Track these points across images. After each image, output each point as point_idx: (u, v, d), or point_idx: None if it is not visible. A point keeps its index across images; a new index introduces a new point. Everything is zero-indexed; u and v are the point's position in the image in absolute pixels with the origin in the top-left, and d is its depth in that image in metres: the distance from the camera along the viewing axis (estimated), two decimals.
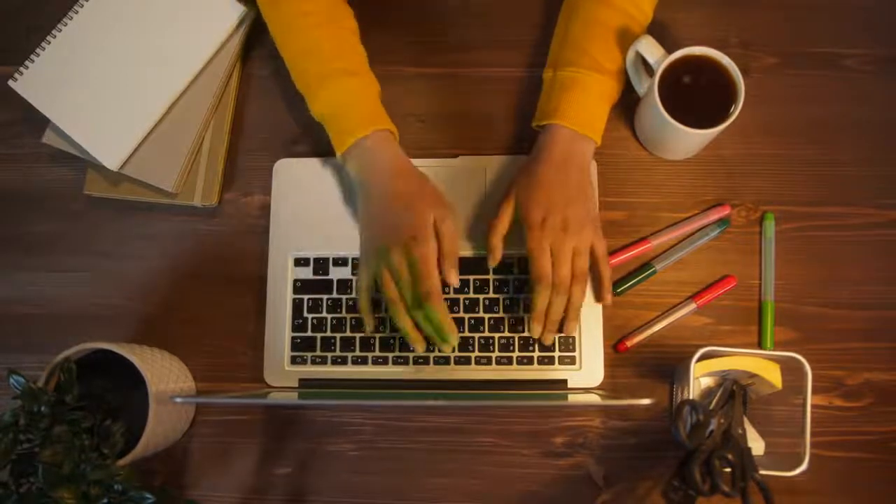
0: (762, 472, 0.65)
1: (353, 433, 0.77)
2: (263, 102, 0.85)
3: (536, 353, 0.76)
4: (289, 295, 0.79)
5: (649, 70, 0.74)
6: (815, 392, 0.72)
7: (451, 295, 0.78)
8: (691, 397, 0.68)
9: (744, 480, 0.64)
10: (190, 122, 0.81)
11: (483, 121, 0.83)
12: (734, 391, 0.71)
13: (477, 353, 0.77)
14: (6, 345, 0.81)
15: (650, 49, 0.72)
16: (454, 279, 0.73)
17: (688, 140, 0.76)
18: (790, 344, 0.77)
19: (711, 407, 0.70)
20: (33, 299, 0.82)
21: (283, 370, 0.78)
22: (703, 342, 0.76)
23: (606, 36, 0.75)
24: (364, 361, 0.77)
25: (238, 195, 0.83)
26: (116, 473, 0.62)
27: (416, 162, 0.78)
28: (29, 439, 0.63)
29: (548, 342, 0.75)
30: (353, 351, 0.77)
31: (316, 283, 0.79)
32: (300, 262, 0.80)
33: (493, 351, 0.77)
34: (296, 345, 0.78)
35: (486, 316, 0.77)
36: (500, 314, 0.77)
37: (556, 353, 0.76)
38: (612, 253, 0.78)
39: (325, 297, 0.78)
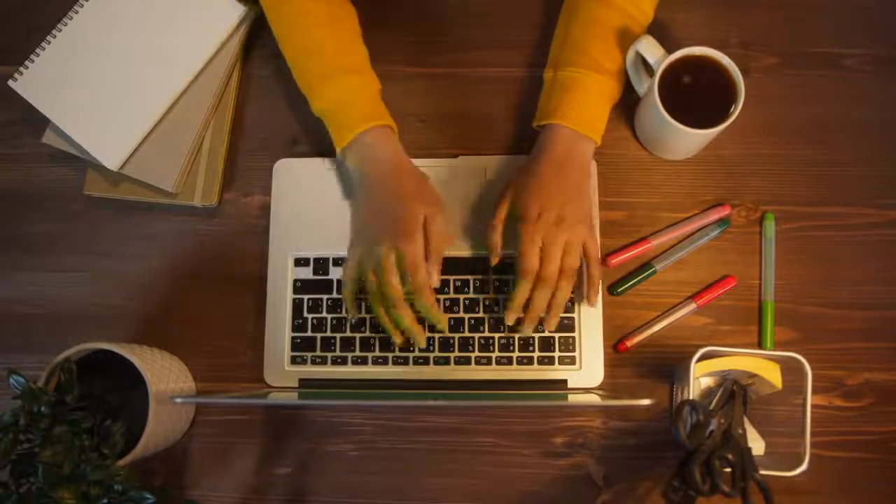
0: (762, 472, 0.65)
1: (353, 433, 0.77)
2: (263, 102, 0.85)
3: (536, 354, 0.76)
4: (289, 295, 0.79)
5: (649, 70, 0.74)
6: (815, 392, 0.72)
7: (452, 295, 0.78)
8: (691, 397, 0.68)
9: (744, 480, 0.64)
10: (190, 122, 0.81)
11: (483, 121, 0.83)
12: (734, 391, 0.71)
13: (477, 354, 0.77)
14: (6, 345, 0.81)
15: (650, 49, 0.72)
16: (435, 279, 0.74)
17: (688, 140, 0.76)
18: (790, 344, 0.77)
19: (711, 407, 0.70)
20: (33, 299, 0.82)
21: (283, 370, 0.78)
22: (703, 342, 0.76)
23: (606, 36, 0.75)
24: (364, 361, 0.77)
25: (238, 195, 0.83)
26: (116, 473, 0.62)
27: (416, 162, 0.78)
28: (29, 439, 0.63)
29: (525, 333, 0.75)
30: (353, 351, 0.77)
31: (316, 283, 0.79)
32: (300, 262, 0.80)
33: (493, 351, 0.77)
34: (296, 345, 0.78)
35: (486, 316, 0.77)
36: (500, 314, 0.77)
37: (556, 354, 0.76)
38: (612, 253, 0.78)
39: (325, 297, 0.78)
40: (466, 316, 0.77)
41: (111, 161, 0.79)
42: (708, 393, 0.75)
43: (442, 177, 0.79)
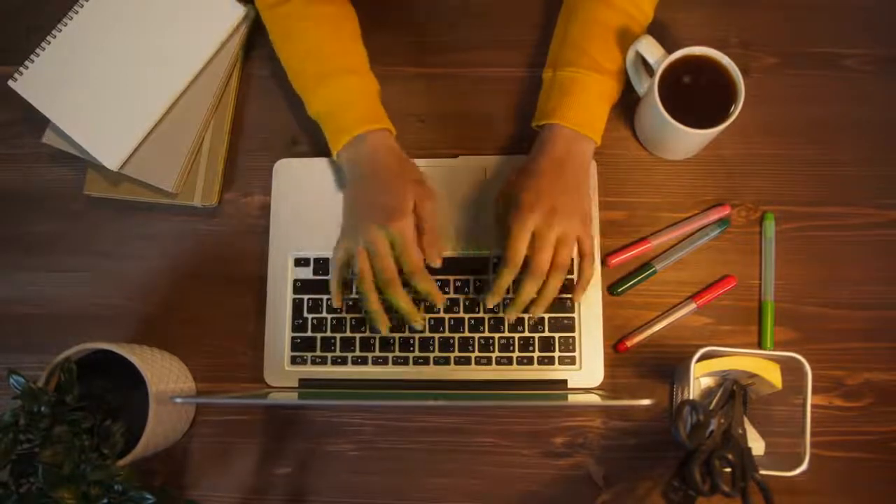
0: (762, 472, 0.65)
1: (353, 433, 0.77)
2: (263, 102, 0.85)
3: (536, 354, 0.76)
4: (289, 295, 0.79)
5: (649, 70, 0.74)
6: (815, 392, 0.72)
7: (452, 295, 0.78)
8: (691, 397, 0.68)
9: (744, 480, 0.64)
10: (190, 122, 0.81)
11: (483, 121, 0.83)
12: (734, 391, 0.71)
13: (477, 354, 0.77)
14: (6, 345, 0.81)
15: (650, 49, 0.72)
16: (435, 257, 0.73)
17: (688, 140, 0.76)
18: (790, 344, 0.77)
19: (711, 407, 0.70)
20: (33, 299, 0.82)
21: (283, 370, 0.78)
22: (703, 342, 0.76)
23: (606, 36, 0.75)
24: (364, 361, 0.77)
25: (238, 195, 0.83)
26: (116, 473, 0.62)
27: (415, 162, 0.78)
28: (29, 439, 0.63)
29: (510, 319, 0.75)
30: (353, 351, 0.77)
31: (316, 283, 0.79)
32: (300, 262, 0.80)
33: (493, 351, 0.77)
34: (296, 345, 0.78)
35: (487, 316, 0.77)
36: (500, 314, 0.77)
37: (556, 354, 0.76)
38: (612, 253, 0.78)
39: (325, 297, 0.78)
40: (466, 316, 0.77)
41: (111, 161, 0.79)
42: (708, 393, 0.75)
43: (442, 177, 0.79)
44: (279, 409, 0.78)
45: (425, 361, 0.77)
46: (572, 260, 0.76)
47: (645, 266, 0.79)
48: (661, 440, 0.76)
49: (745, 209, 0.80)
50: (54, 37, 0.82)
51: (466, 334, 0.77)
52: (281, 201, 0.81)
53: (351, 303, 0.78)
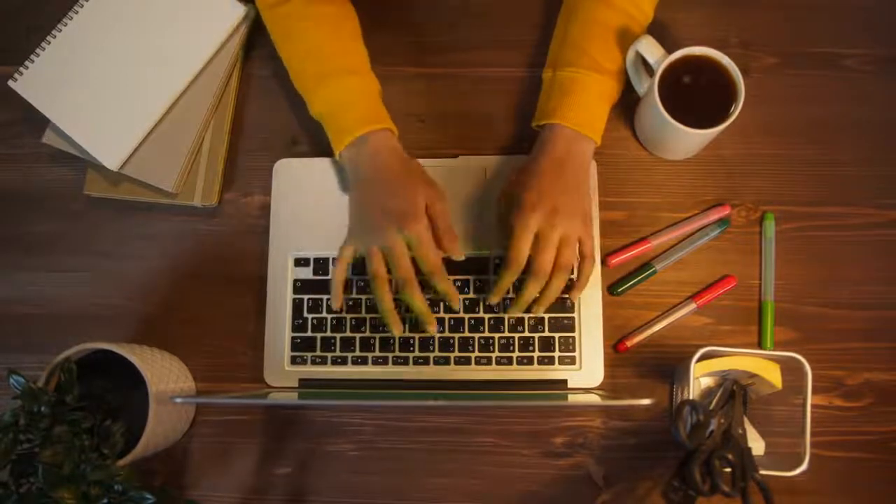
0: (762, 472, 0.65)
1: (353, 433, 0.77)
2: (263, 102, 0.85)
3: (536, 354, 0.76)
4: (289, 295, 0.79)
5: (649, 70, 0.74)
6: (815, 392, 0.72)
7: None
8: (691, 397, 0.68)
9: (744, 480, 0.64)
10: (190, 122, 0.81)
11: (483, 121, 0.83)
12: (734, 391, 0.71)
13: (477, 354, 0.77)
14: (6, 345, 0.81)
15: (650, 49, 0.72)
16: (457, 251, 0.74)
17: (688, 140, 0.76)
18: (790, 344, 0.77)
19: (711, 407, 0.70)
20: (33, 299, 0.82)
21: (283, 370, 0.78)
22: (703, 342, 0.76)
23: (606, 36, 0.75)
24: (364, 361, 0.77)
25: (238, 195, 0.83)
26: (116, 473, 0.62)
27: None
28: (29, 439, 0.63)
29: (511, 315, 0.76)
30: (353, 351, 0.77)
31: (316, 283, 0.79)
32: (300, 262, 0.80)
33: (493, 351, 0.77)
34: (296, 345, 0.78)
35: (487, 316, 0.77)
36: (501, 314, 0.77)
37: (556, 354, 0.76)
38: (612, 253, 0.78)
39: (325, 297, 0.78)
40: (466, 316, 0.77)
41: (111, 161, 0.79)
42: (708, 393, 0.75)
43: (442, 177, 0.79)
44: (279, 409, 0.78)
45: (425, 361, 0.77)
46: None
47: (645, 266, 0.79)
48: (661, 440, 0.76)
49: (745, 209, 0.80)
50: (54, 37, 0.82)
51: (466, 334, 0.77)
52: (281, 201, 0.81)
53: (351, 303, 0.78)
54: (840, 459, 0.75)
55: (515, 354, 0.77)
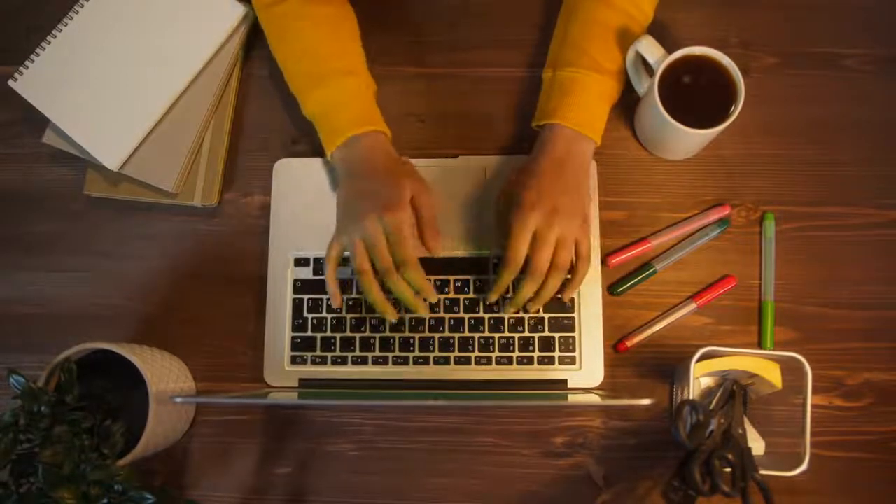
0: (762, 472, 0.65)
1: (353, 433, 0.77)
2: (263, 102, 0.85)
3: (536, 354, 0.76)
4: (289, 295, 0.79)
5: (649, 70, 0.74)
6: (815, 392, 0.72)
7: (452, 295, 0.78)
8: (691, 397, 0.68)
9: (744, 480, 0.64)
10: (190, 122, 0.81)
11: (483, 121, 0.83)
12: (734, 391, 0.71)
13: (477, 353, 0.77)
14: (6, 345, 0.81)
15: (650, 49, 0.72)
16: (437, 246, 0.74)
17: (688, 140, 0.76)
18: (790, 344, 0.77)
19: (711, 407, 0.70)
20: (33, 299, 0.82)
21: (283, 370, 0.78)
22: (703, 342, 0.76)
23: (606, 36, 0.75)
24: (364, 361, 0.77)
25: (238, 195, 0.83)
26: (116, 473, 0.62)
27: (415, 162, 0.79)
28: (29, 439, 0.63)
29: (507, 314, 0.76)
30: (353, 351, 0.77)
31: (316, 283, 0.79)
32: (300, 262, 0.80)
33: (493, 351, 0.77)
34: (296, 345, 0.78)
35: (487, 316, 0.77)
36: (501, 314, 0.77)
37: (556, 353, 0.76)
38: (612, 253, 0.78)
39: (325, 297, 0.78)
40: (466, 316, 0.77)
41: (111, 161, 0.79)
42: (708, 393, 0.75)
43: (442, 177, 0.79)
44: (279, 409, 0.78)
45: (425, 361, 0.77)
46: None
47: (645, 266, 0.79)
48: (661, 440, 0.76)
49: (745, 209, 0.80)
50: (54, 37, 0.82)
51: (466, 334, 0.77)
52: (281, 201, 0.81)
53: (351, 303, 0.78)
54: (840, 459, 0.75)
55: (515, 354, 0.77)
